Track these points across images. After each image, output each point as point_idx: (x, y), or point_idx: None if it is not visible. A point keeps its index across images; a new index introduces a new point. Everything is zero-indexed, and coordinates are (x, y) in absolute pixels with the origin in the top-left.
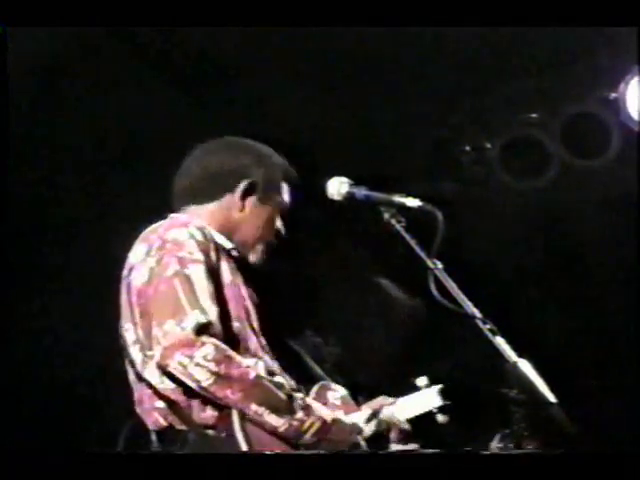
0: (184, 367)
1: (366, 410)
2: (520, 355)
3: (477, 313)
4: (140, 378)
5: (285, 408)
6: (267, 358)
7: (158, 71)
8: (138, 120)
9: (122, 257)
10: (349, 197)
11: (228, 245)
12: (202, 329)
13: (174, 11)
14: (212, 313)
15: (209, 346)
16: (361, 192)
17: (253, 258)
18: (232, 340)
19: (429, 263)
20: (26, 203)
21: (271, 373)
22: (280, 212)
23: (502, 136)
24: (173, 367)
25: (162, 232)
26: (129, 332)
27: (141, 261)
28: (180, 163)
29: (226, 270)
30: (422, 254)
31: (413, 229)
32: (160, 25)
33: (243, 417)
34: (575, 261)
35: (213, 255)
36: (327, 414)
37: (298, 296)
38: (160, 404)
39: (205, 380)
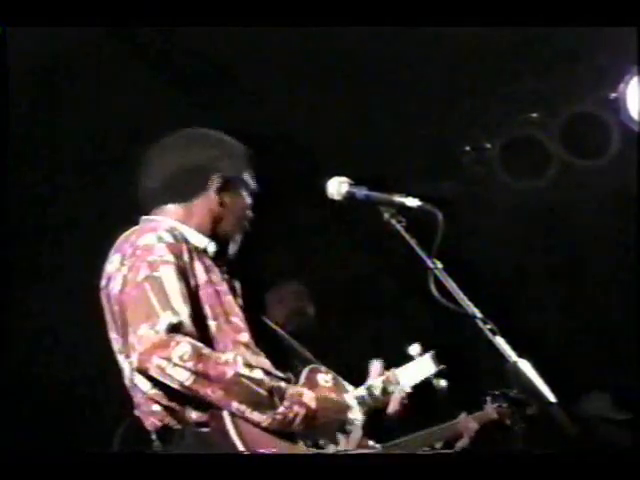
0: (162, 369)
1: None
2: (520, 355)
3: (477, 313)
4: (133, 384)
5: (267, 404)
6: (250, 352)
7: (158, 71)
8: (138, 120)
9: None
10: (349, 197)
11: (203, 243)
12: (174, 329)
13: (174, 11)
14: (184, 313)
15: (185, 345)
16: (361, 192)
17: (232, 249)
18: (207, 339)
19: (429, 263)
20: (26, 203)
21: (251, 367)
22: (251, 199)
23: (502, 136)
24: (152, 371)
25: (134, 239)
26: (114, 342)
27: (116, 270)
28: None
29: (200, 269)
30: (422, 254)
31: (413, 229)
32: (160, 25)
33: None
34: (575, 261)
35: (186, 256)
36: (311, 399)
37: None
38: (156, 407)
39: (186, 380)
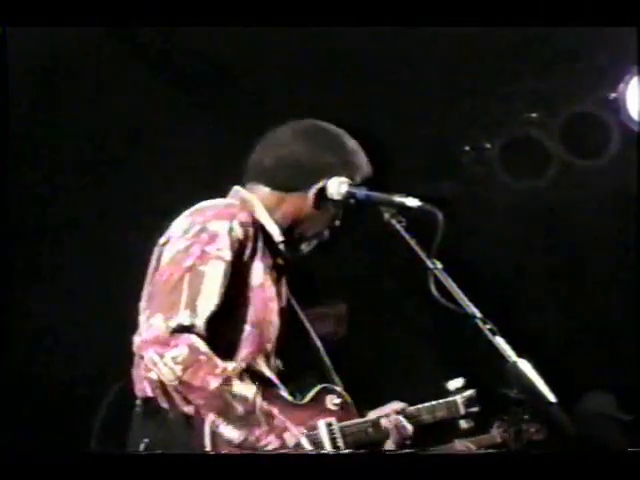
0: (155, 364)
1: (372, 415)
2: (520, 355)
3: (477, 313)
4: None
5: (243, 422)
6: (266, 363)
7: (158, 71)
8: (138, 120)
9: (122, 257)
10: (349, 197)
11: (278, 238)
12: (183, 329)
13: (174, 11)
14: (204, 315)
15: (182, 347)
16: (361, 192)
17: (305, 249)
18: (233, 343)
19: (429, 263)
20: (26, 203)
21: (245, 382)
22: (343, 210)
23: (502, 136)
24: (146, 361)
25: (208, 217)
26: (144, 300)
27: (177, 237)
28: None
29: (259, 271)
30: (422, 254)
31: (413, 229)
32: (160, 25)
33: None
34: (575, 261)
35: (247, 254)
36: (291, 437)
37: (297, 297)
38: (154, 375)
39: (172, 380)
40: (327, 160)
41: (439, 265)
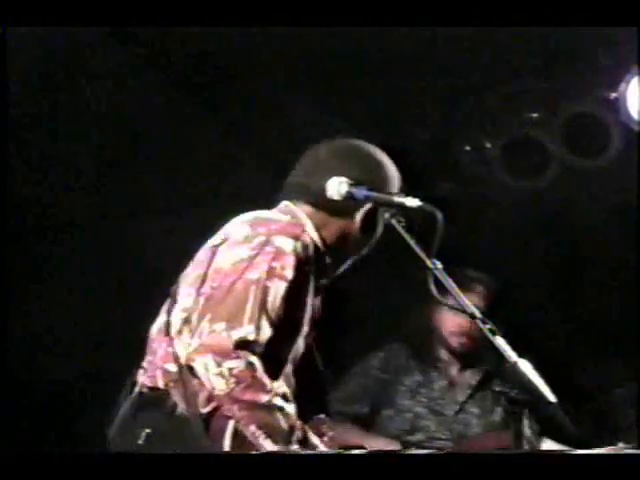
0: (207, 370)
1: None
2: (520, 355)
3: (477, 313)
4: (167, 333)
5: (283, 438)
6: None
7: (158, 71)
8: (138, 120)
9: (122, 257)
10: (349, 197)
11: (328, 260)
12: (244, 344)
13: (174, 11)
14: (265, 334)
15: (241, 361)
16: (361, 192)
17: (341, 270)
18: (280, 364)
19: (429, 263)
20: (26, 203)
21: (288, 400)
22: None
23: (502, 136)
24: (197, 364)
25: (273, 230)
26: (189, 296)
27: (236, 242)
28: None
29: (311, 292)
30: (422, 254)
31: (413, 229)
32: (160, 25)
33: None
34: (575, 261)
35: (304, 277)
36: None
37: None
38: (172, 367)
39: (219, 390)
40: (379, 180)
41: (439, 265)
